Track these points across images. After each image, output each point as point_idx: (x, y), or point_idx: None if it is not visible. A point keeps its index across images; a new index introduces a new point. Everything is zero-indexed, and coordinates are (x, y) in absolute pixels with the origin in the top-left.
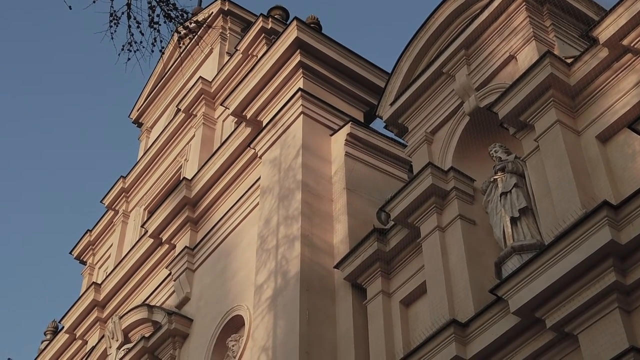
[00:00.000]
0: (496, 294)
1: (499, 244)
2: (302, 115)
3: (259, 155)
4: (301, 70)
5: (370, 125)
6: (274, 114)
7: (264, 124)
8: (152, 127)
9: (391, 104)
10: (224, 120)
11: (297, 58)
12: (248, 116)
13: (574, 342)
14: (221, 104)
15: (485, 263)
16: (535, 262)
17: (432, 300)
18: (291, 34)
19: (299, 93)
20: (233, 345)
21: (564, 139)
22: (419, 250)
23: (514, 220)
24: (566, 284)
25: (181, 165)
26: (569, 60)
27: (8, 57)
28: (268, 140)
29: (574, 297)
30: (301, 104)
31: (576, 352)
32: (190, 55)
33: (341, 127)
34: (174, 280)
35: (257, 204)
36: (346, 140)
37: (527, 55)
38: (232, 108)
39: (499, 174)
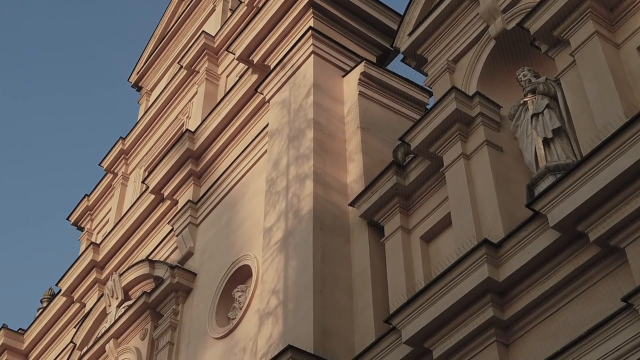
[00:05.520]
0: (533, 208)
1: (530, 168)
2: (312, 55)
3: (266, 100)
4: (311, 10)
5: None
6: (282, 56)
7: (271, 68)
8: (152, 89)
9: (409, 34)
10: (227, 76)
11: None
12: (255, 60)
13: (621, 256)
14: (227, 50)
15: (514, 190)
16: (576, 172)
17: (458, 228)
18: None
19: (310, 32)
20: (239, 296)
21: (603, 50)
22: (441, 183)
23: (546, 142)
24: (612, 193)
25: (183, 123)
26: None
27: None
28: (277, 83)
29: (621, 207)
30: (312, 44)
31: (623, 267)
32: (192, 13)
33: (354, 67)
34: (177, 236)
35: (264, 152)
36: (359, 79)
37: None
38: (238, 52)
39: (529, 95)
